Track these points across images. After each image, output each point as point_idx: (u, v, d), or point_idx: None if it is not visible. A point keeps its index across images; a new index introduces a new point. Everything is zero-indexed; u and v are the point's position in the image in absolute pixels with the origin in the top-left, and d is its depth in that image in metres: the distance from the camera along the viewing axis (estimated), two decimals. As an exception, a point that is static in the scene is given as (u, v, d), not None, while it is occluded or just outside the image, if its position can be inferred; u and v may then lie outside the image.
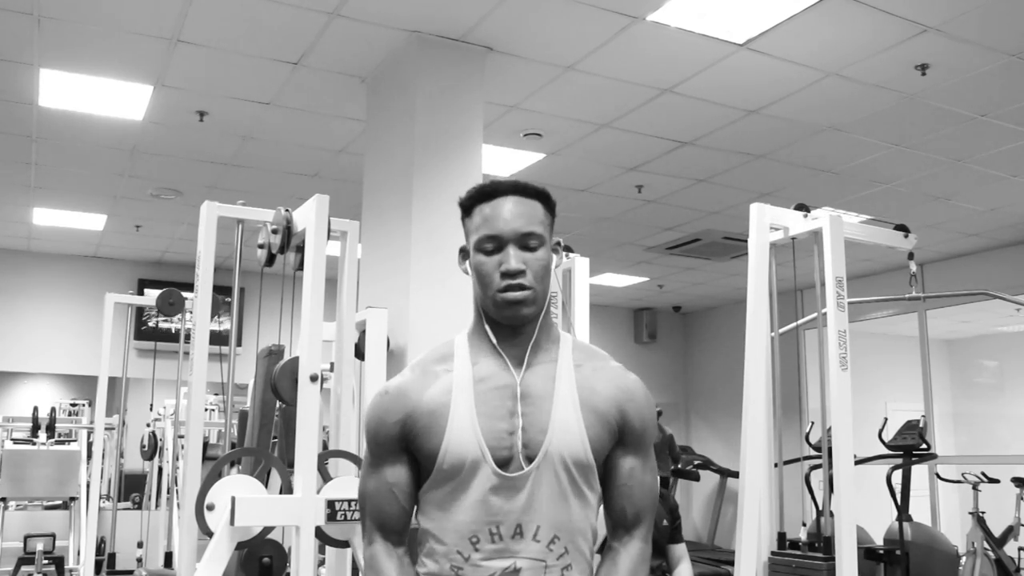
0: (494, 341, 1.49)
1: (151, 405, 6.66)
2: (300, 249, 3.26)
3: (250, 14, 3.88)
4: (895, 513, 4.25)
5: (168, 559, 5.77)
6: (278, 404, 3.56)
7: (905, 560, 3.92)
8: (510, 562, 1.40)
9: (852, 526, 3.38)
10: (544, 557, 1.41)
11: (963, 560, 5.29)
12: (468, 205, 1.50)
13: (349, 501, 2.93)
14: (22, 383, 9.09)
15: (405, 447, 1.48)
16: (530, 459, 1.42)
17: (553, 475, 1.42)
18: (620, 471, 1.50)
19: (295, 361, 3.08)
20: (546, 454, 1.42)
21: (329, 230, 3.14)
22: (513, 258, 1.44)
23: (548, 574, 1.41)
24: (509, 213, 1.46)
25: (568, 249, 4.33)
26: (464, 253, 1.52)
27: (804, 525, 3.84)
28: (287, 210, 3.34)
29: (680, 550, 3.69)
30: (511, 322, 1.47)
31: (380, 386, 1.61)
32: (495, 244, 1.45)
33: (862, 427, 4.02)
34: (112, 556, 5.79)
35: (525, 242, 1.45)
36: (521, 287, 1.43)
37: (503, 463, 1.41)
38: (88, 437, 6.96)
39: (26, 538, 6.18)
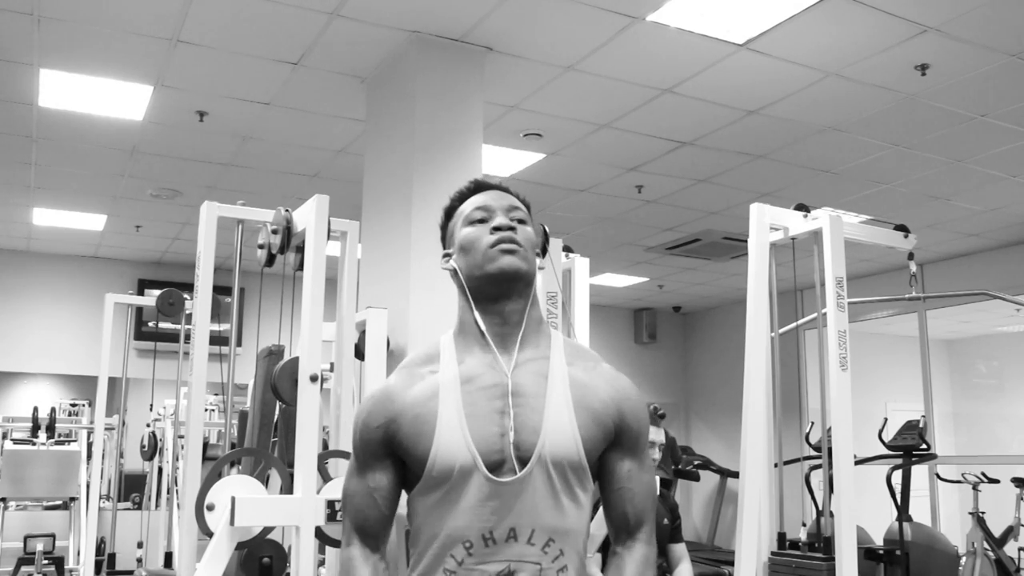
0: (482, 326, 1.47)
1: (151, 405, 6.66)
2: (300, 249, 3.26)
3: (250, 14, 3.88)
4: (895, 513, 4.24)
5: (168, 559, 5.77)
6: (278, 404, 3.56)
7: (905, 560, 3.91)
8: (504, 565, 1.37)
9: (852, 526, 3.38)
10: (539, 560, 1.38)
11: (963, 560, 5.29)
12: (457, 202, 1.58)
13: (349, 501, 2.92)
14: (22, 383, 9.09)
15: (389, 452, 1.46)
16: (522, 461, 1.39)
17: (546, 477, 1.39)
18: (618, 473, 1.48)
19: (295, 361, 3.08)
20: (539, 457, 1.39)
21: (329, 230, 3.14)
22: (503, 219, 1.49)
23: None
24: (497, 197, 1.54)
25: (568, 249, 4.33)
26: (447, 257, 1.56)
27: (804, 525, 3.84)
28: (287, 210, 3.33)
29: (680, 550, 3.69)
30: (503, 277, 1.45)
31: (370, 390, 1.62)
32: (485, 214, 1.51)
33: (862, 427, 4.02)
34: (112, 556, 5.79)
35: (512, 215, 1.51)
36: (512, 240, 1.47)
37: (495, 467, 1.39)
38: (88, 437, 6.96)
39: (26, 538, 6.18)
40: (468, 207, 1.54)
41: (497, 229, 1.47)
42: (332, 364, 3.43)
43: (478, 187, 1.57)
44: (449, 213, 1.58)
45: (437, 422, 1.41)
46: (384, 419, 1.46)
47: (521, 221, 1.51)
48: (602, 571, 3.36)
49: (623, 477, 1.48)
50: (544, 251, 1.56)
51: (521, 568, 1.37)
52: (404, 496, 1.50)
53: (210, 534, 2.84)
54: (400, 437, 1.44)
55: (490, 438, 1.39)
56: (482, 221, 1.50)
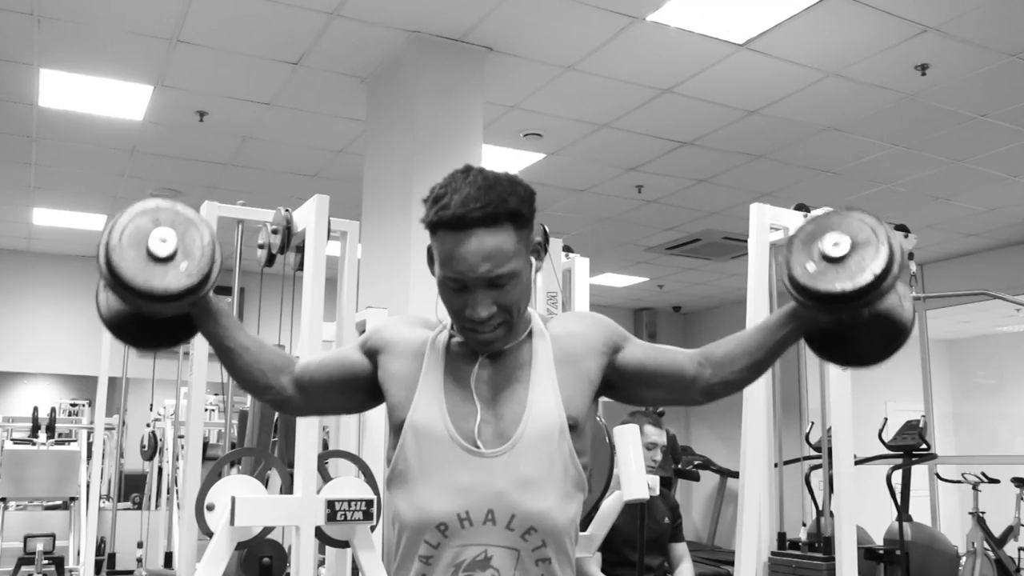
0: (461, 338, 1.43)
1: (151, 405, 6.66)
2: (300, 249, 3.26)
3: (250, 14, 3.88)
4: (895, 513, 4.25)
5: (168, 559, 5.77)
6: (278, 404, 3.56)
7: (905, 560, 3.92)
8: (480, 549, 1.30)
9: (852, 526, 3.38)
10: (518, 546, 1.30)
11: (963, 560, 5.29)
12: (433, 225, 1.35)
13: (349, 501, 2.93)
14: (22, 383, 9.08)
15: (370, 355, 1.45)
16: (503, 442, 1.34)
17: (530, 460, 1.33)
18: (644, 356, 1.45)
19: (295, 361, 3.08)
20: (522, 435, 1.33)
21: (329, 230, 3.14)
22: (480, 305, 1.32)
23: (522, 564, 1.30)
24: (475, 256, 1.29)
25: (568, 249, 4.33)
26: (431, 255, 1.40)
27: (804, 525, 3.84)
28: (287, 210, 3.34)
29: (681, 549, 3.69)
30: (481, 352, 1.40)
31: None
32: (461, 286, 1.33)
33: (862, 427, 4.02)
34: (112, 556, 5.78)
35: (494, 283, 1.32)
36: (490, 329, 1.34)
37: (472, 444, 1.34)
38: (88, 437, 6.95)
39: (26, 538, 6.17)
40: (444, 259, 1.33)
41: (472, 322, 1.33)
42: (332, 364, 3.43)
43: (460, 222, 1.30)
44: (429, 228, 1.37)
45: (419, 385, 1.38)
46: (388, 337, 1.45)
47: (503, 284, 1.32)
48: (601, 571, 3.36)
49: (650, 352, 1.46)
50: (544, 250, 1.52)
51: (497, 553, 1.30)
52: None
53: (210, 534, 2.84)
54: (387, 366, 1.43)
55: (467, 416, 1.35)
56: (459, 291, 1.34)
